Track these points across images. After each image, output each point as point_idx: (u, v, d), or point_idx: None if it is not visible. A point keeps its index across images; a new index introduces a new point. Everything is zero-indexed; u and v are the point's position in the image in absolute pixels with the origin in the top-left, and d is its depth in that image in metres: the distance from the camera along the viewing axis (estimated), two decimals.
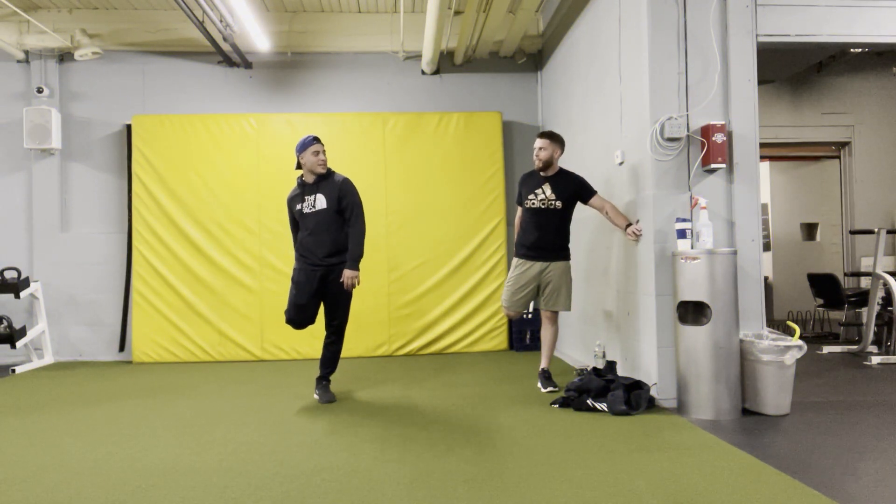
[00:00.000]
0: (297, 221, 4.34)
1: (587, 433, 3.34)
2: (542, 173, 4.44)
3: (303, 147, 4.22)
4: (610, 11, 4.61)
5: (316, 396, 4.33)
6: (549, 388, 4.38)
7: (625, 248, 4.42)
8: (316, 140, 4.24)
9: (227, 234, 6.26)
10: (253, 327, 6.24)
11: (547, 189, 4.39)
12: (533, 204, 4.41)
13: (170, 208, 6.25)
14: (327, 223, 4.21)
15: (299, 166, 4.29)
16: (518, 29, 6.03)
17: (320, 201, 4.22)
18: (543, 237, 4.38)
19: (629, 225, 4.17)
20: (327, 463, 2.94)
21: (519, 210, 4.61)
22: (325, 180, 4.27)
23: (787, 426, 3.42)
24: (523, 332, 6.32)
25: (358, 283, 4.25)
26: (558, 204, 4.37)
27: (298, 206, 4.28)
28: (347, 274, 4.19)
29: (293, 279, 4.28)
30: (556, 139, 4.43)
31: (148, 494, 2.58)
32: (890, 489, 2.47)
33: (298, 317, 4.22)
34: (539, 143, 4.41)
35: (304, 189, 4.28)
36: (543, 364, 4.49)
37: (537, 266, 4.39)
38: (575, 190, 4.40)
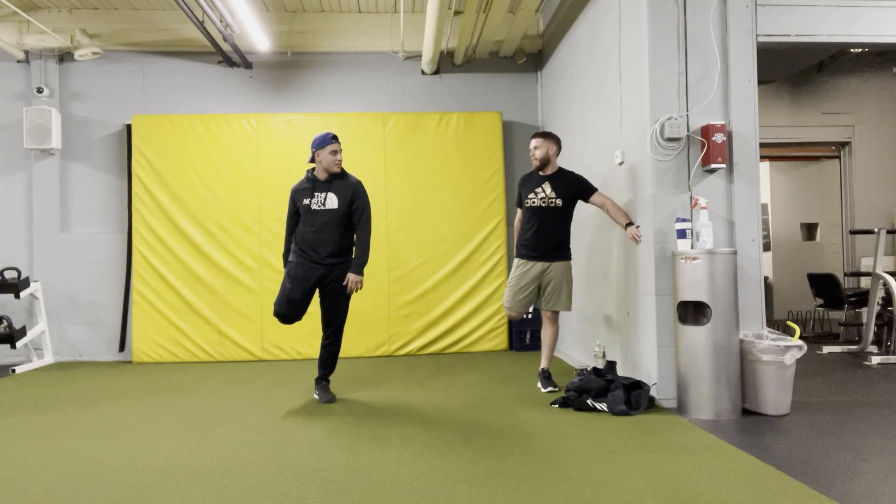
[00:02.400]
0: (299, 214, 4.28)
1: (587, 433, 3.34)
2: (540, 172, 4.45)
3: (321, 144, 4.16)
4: (610, 11, 4.61)
5: (316, 396, 4.33)
6: (550, 388, 4.38)
7: (625, 248, 4.42)
8: (335, 139, 4.19)
9: (227, 234, 6.26)
10: (253, 327, 6.24)
11: (547, 188, 4.39)
12: (533, 203, 4.41)
13: (170, 208, 6.25)
14: (335, 224, 4.19)
15: (312, 160, 4.25)
16: (518, 29, 6.03)
17: (331, 201, 4.18)
18: (544, 237, 4.38)
19: (630, 224, 4.17)
20: (327, 463, 2.94)
21: (519, 212, 4.61)
22: (338, 180, 4.23)
23: (787, 426, 3.42)
24: (523, 332, 6.32)
25: (361, 288, 4.25)
26: (558, 202, 4.37)
27: (306, 201, 4.21)
28: (352, 278, 4.18)
29: (289, 273, 4.21)
30: (550, 137, 4.43)
31: (148, 494, 2.58)
32: (890, 489, 2.47)
33: (289, 312, 4.16)
34: (533, 142, 4.43)
35: (314, 185, 4.22)
36: (544, 364, 4.49)
37: (538, 266, 4.39)
38: (575, 188, 4.41)
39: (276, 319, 5.99)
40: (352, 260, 4.27)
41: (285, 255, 4.37)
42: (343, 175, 4.26)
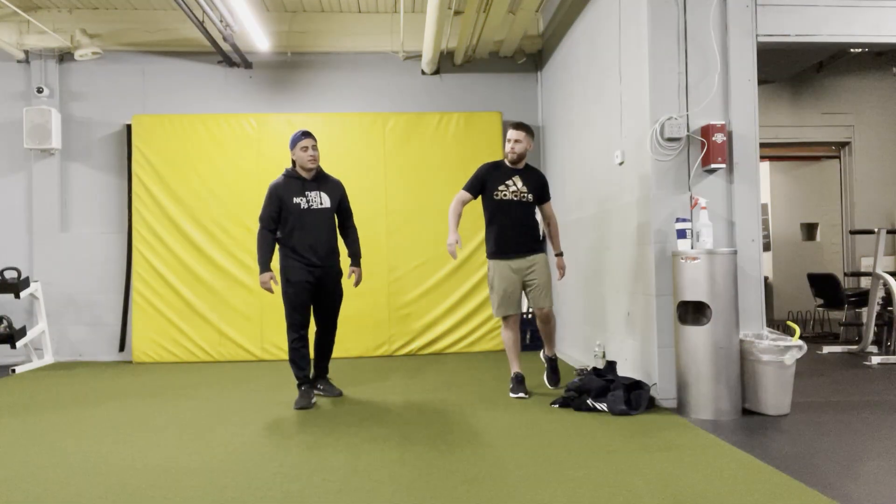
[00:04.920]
0: (280, 214, 4.12)
1: (587, 433, 3.34)
2: (510, 165, 4.32)
3: (293, 143, 4.15)
4: (610, 11, 4.61)
5: (319, 393, 4.35)
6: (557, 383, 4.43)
7: (625, 248, 4.42)
8: (305, 135, 4.11)
9: (227, 234, 6.26)
10: (253, 327, 6.23)
11: (518, 181, 4.28)
12: (504, 196, 4.26)
13: (170, 208, 6.25)
14: (329, 223, 4.21)
15: (293, 163, 4.23)
16: (518, 29, 6.03)
17: (325, 200, 4.19)
18: (522, 231, 4.27)
19: (560, 254, 4.37)
20: (327, 463, 2.94)
21: (460, 195, 4.30)
22: (324, 179, 4.26)
23: (787, 426, 3.42)
24: (524, 332, 6.30)
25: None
26: (530, 197, 4.30)
27: (297, 200, 4.12)
28: (359, 273, 4.36)
29: (290, 280, 4.12)
30: (530, 132, 4.33)
31: (148, 494, 2.58)
32: (890, 489, 2.47)
33: (304, 318, 4.16)
34: (514, 134, 4.26)
35: (304, 184, 4.17)
36: (547, 353, 4.49)
37: (523, 261, 4.26)
38: (541, 188, 4.38)
39: (276, 320, 6.03)
40: (339, 260, 4.31)
41: (266, 261, 4.12)
42: (325, 174, 4.28)
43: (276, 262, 4.22)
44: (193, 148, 6.30)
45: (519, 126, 4.30)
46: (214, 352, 6.22)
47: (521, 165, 4.34)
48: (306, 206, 4.13)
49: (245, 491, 2.60)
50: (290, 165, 4.28)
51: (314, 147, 4.13)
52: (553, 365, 4.50)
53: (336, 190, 4.27)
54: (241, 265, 6.24)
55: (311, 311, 4.24)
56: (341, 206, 4.31)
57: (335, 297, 4.31)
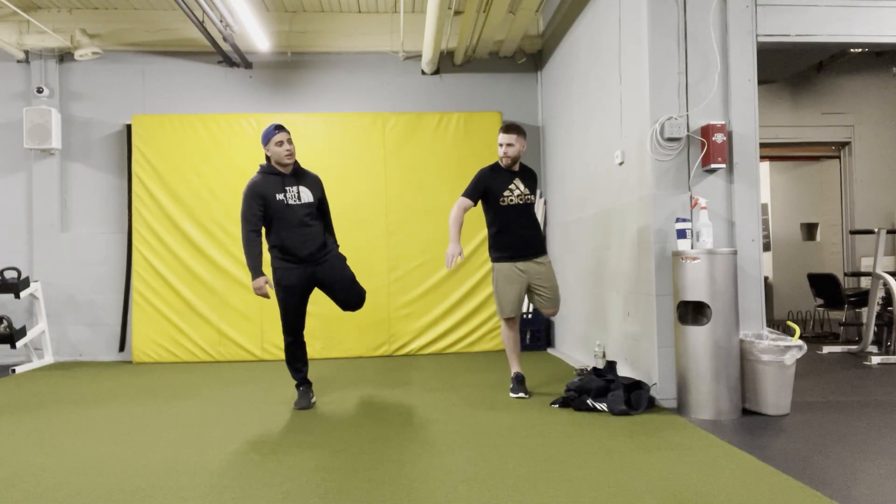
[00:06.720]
0: (263, 214, 3.94)
1: (587, 433, 3.34)
2: (507, 168, 4.28)
3: (266, 138, 3.93)
4: (610, 12, 4.61)
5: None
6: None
7: (625, 248, 4.42)
8: (278, 129, 3.92)
9: (227, 234, 6.26)
10: (253, 327, 6.23)
11: (520, 184, 4.27)
12: (511, 201, 4.23)
13: (170, 208, 6.25)
14: (315, 216, 4.07)
15: (268, 159, 4.03)
16: (518, 29, 6.03)
17: (306, 194, 4.01)
18: (530, 233, 4.28)
19: None
20: (327, 463, 2.94)
21: (461, 203, 4.19)
22: (302, 174, 4.09)
23: (787, 426, 3.42)
24: (524, 332, 6.31)
25: None
26: (531, 198, 4.32)
27: (280, 197, 3.92)
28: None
29: (281, 283, 3.99)
30: (523, 133, 4.27)
31: (148, 494, 2.58)
32: (890, 489, 2.47)
33: (298, 321, 4.08)
34: (506, 138, 4.19)
35: (283, 179, 3.98)
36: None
37: (527, 264, 4.26)
38: (535, 185, 4.45)
39: (276, 319, 6.01)
40: (336, 248, 4.19)
41: (257, 265, 3.93)
42: (304, 169, 4.12)
43: (267, 267, 4.08)
44: (193, 148, 6.30)
45: (510, 129, 4.22)
46: (214, 352, 6.22)
47: (516, 167, 4.32)
48: (289, 203, 3.96)
49: (245, 491, 2.60)
50: (264, 162, 4.08)
51: (289, 140, 3.94)
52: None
53: (316, 185, 4.11)
54: (241, 265, 6.23)
55: (304, 314, 4.11)
56: (321, 203, 4.15)
57: (344, 276, 4.12)
